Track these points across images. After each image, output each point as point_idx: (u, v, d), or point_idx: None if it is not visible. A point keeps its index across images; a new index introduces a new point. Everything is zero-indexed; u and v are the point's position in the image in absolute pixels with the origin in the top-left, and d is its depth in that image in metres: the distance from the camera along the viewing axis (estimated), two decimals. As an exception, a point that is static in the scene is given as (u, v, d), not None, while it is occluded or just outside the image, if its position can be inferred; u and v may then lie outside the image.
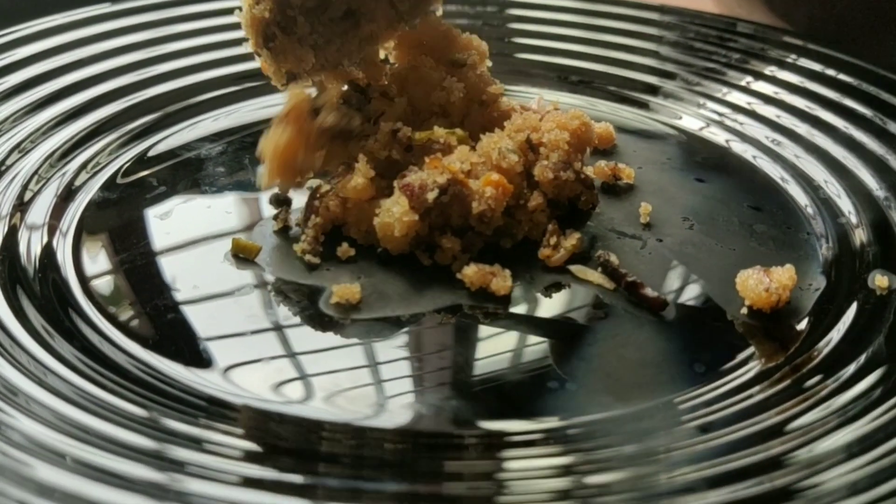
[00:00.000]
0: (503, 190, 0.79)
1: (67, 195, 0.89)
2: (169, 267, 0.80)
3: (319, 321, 0.74)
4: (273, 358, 0.70)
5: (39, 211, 0.86)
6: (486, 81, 0.91)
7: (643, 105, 1.14)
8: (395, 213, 0.78)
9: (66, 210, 0.87)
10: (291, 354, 0.71)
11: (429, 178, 0.79)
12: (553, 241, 0.81)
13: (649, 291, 0.76)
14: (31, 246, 0.81)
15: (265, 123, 0.87)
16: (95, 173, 0.93)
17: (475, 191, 0.79)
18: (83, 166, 0.94)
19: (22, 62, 1.08)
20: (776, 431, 0.63)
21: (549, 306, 0.77)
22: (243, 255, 0.81)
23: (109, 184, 0.92)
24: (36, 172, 0.91)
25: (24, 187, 0.89)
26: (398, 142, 0.83)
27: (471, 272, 0.77)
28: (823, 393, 0.66)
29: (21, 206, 0.86)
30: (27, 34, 1.14)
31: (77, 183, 0.91)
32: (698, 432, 0.62)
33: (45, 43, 1.13)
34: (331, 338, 0.72)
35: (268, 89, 1.07)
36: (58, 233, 0.83)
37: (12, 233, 0.82)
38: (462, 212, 0.80)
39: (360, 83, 0.89)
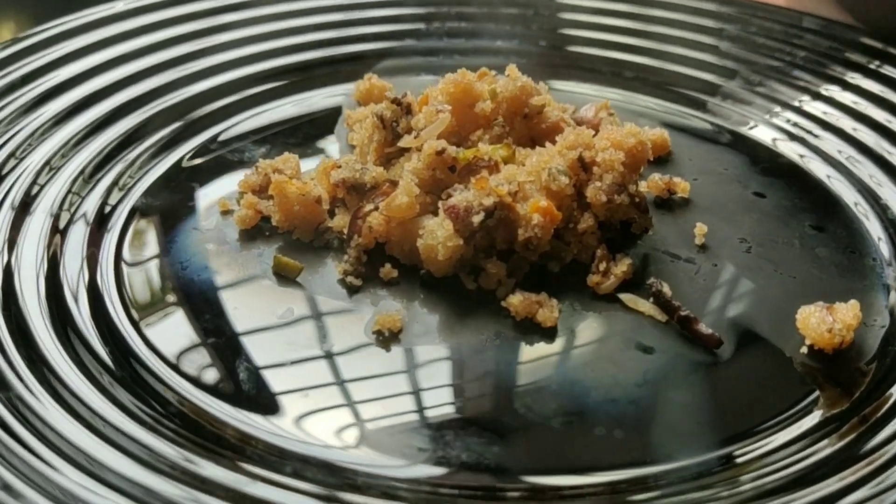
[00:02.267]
0: (551, 218, 0.76)
1: (101, 220, 0.85)
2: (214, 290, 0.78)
3: (359, 349, 0.72)
4: (309, 388, 0.68)
5: (76, 239, 0.82)
6: (528, 92, 0.86)
7: (700, 105, 1.08)
8: (439, 236, 0.75)
9: (102, 237, 0.83)
10: (326, 384, 0.69)
11: (475, 201, 0.76)
12: (603, 266, 0.78)
13: (703, 328, 0.72)
14: (73, 281, 0.77)
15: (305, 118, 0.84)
16: (128, 191, 0.90)
17: (522, 216, 0.76)
18: (114, 183, 0.90)
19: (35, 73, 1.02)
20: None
21: (597, 339, 0.74)
22: (285, 274, 0.80)
23: (144, 202, 0.89)
24: (69, 192, 0.87)
25: (59, 211, 0.85)
26: (443, 161, 0.79)
27: (516, 301, 0.74)
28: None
29: (57, 232, 0.82)
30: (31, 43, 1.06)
31: (111, 202, 0.88)
32: (756, 495, 0.60)
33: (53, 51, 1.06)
34: (368, 368, 0.70)
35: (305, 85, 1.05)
36: (99, 266, 0.79)
37: (53, 268, 0.78)
38: (507, 237, 0.77)
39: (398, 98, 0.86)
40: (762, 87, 1.09)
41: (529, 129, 0.86)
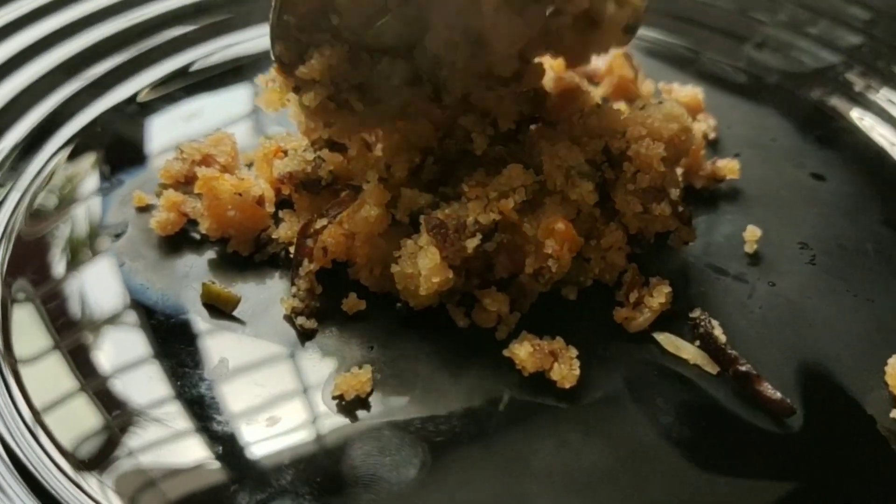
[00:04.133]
0: (570, 243, 0.57)
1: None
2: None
3: (313, 424, 0.54)
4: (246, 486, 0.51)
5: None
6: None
7: (735, 51, 0.88)
8: (420, 265, 0.56)
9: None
10: (271, 485, 0.52)
11: (468, 217, 0.57)
12: (633, 296, 0.60)
13: (769, 390, 0.55)
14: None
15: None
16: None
17: (530, 238, 0.57)
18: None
19: None
20: None
21: (630, 403, 0.56)
22: (217, 306, 0.61)
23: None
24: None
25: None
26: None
27: (524, 353, 0.56)
28: None
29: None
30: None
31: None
32: None
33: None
34: (327, 457, 0.53)
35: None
36: None
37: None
38: (511, 265, 0.59)
39: None
40: (812, 26, 0.89)
41: (533, 104, 0.64)
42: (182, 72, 0.82)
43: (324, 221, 0.59)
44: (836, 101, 0.82)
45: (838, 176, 0.75)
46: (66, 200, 0.68)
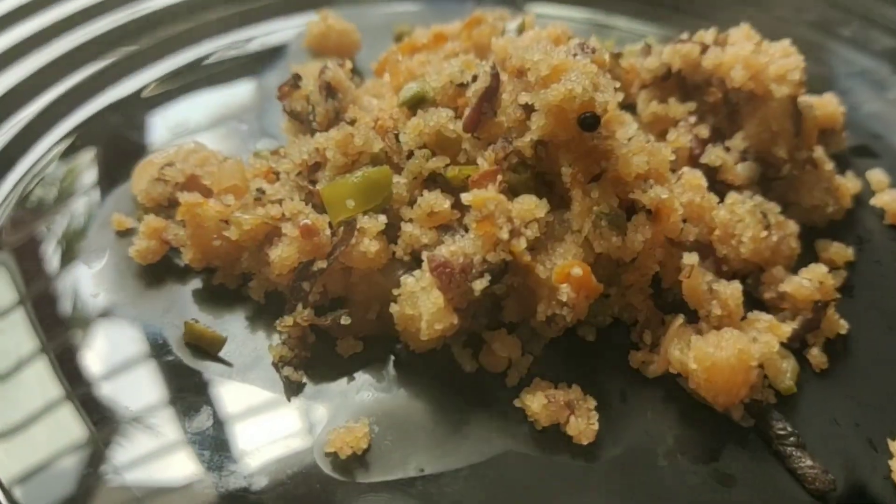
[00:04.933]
0: (587, 291, 0.51)
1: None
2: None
3: (304, 485, 0.49)
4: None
5: None
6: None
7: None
8: (422, 307, 0.51)
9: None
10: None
11: (475, 255, 0.51)
12: (648, 337, 0.55)
13: (809, 465, 0.49)
14: None
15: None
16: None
17: (543, 282, 0.52)
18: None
19: None
20: None
21: (654, 460, 0.51)
22: (201, 346, 0.55)
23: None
24: None
25: None
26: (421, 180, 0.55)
27: (536, 405, 0.51)
28: None
29: None
30: None
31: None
32: None
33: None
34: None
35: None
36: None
37: None
38: (521, 310, 0.53)
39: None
40: None
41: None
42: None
43: (323, 264, 0.53)
44: None
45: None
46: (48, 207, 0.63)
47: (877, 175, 0.70)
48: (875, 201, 0.68)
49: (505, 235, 0.50)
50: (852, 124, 0.75)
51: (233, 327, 0.57)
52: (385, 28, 0.83)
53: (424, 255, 0.52)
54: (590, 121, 0.51)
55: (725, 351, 0.49)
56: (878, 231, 0.67)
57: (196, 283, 0.60)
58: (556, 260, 0.52)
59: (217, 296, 0.59)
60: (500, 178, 0.53)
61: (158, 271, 0.60)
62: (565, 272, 0.50)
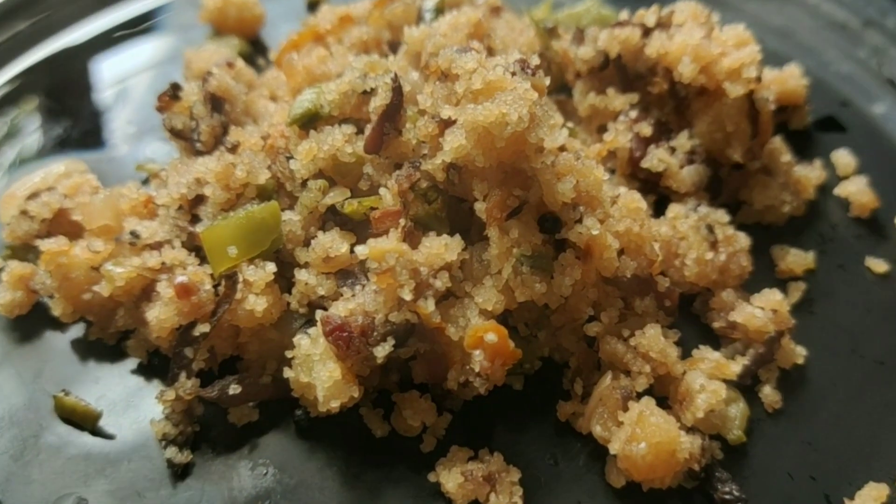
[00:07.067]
0: (503, 359, 0.44)
1: None
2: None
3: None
4: None
5: None
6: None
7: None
8: (316, 379, 0.44)
9: None
10: None
11: (377, 313, 0.44)
12: (580, 387, 0.48)
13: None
14: None
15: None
16: None
17: (455, 345, 0.45)
18: None
19: None
20: None
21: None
22: (74, 422, 0.49)
23: None
24: None
25: None
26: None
27: (452, 483, 0.45)
28: None
29: None
30: None
31: None
32: None
33: None
34: None
35: None
36: None
37: None
38: (430, 376, 0.46)
39: None
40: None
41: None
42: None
43: (206, 328, 0.46)
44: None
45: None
46: None
47: (843, 157, 0.63)
48: (839, 191, 0.61)
49: (408, 296, 0.43)
50: (818, 90, 0.67)
51: (113, 389, 0.50)
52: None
53: (318, 316, 0.45)
54: (550, 224, 0.45)
55: (647, 441, 0.43)
56: (843, 225, 0.60)
57: (77, 331, 0.53)
58: (472, 314, 0.45)
59: (97, 349, 0.52)
60: (402, 222, 0.45)
61: (28, 325, 0.53)
62: (478, 337, 0.43)
